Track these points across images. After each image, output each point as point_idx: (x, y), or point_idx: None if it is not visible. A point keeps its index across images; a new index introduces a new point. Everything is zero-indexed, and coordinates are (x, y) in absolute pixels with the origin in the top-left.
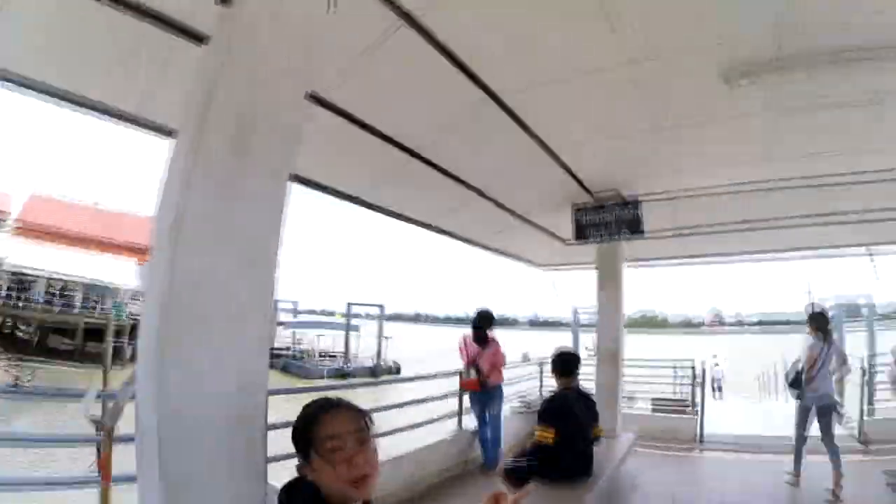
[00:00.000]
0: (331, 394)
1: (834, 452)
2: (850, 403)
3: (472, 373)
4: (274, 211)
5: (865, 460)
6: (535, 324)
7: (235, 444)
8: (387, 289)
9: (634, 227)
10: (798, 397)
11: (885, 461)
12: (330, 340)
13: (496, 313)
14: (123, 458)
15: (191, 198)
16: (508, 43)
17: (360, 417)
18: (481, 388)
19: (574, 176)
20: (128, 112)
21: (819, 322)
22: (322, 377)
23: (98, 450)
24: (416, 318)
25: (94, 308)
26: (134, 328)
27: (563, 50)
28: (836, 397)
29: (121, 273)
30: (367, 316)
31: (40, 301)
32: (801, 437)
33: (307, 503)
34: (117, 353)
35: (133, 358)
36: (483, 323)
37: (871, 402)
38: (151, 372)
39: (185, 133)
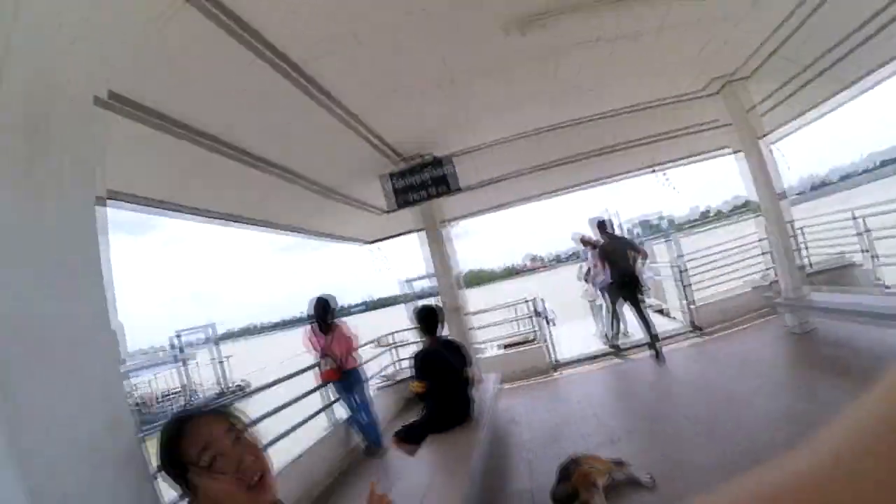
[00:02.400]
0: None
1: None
2: (672, 299)
3: (329, 362)
4: (87, 230)
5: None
6: (371, 305)
7: (120, 495)
8: (210, 307)
9: (449, 184)
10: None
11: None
12: (167, 379)
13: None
14: None
15: None
16: (293, 8)
17: (225, 416)
18: (341, 375)
19: (382, 143)
20: None
21: (585, 241)
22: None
23: None
24: (250, 331)
25: None
26: None
27: (348, 8)
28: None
29: None
30: (197, 343)
31: None
32: (611, 311)
33: None
34: None
35: None
36: (323, 311)
37: (689, 296)
38: None
39: None
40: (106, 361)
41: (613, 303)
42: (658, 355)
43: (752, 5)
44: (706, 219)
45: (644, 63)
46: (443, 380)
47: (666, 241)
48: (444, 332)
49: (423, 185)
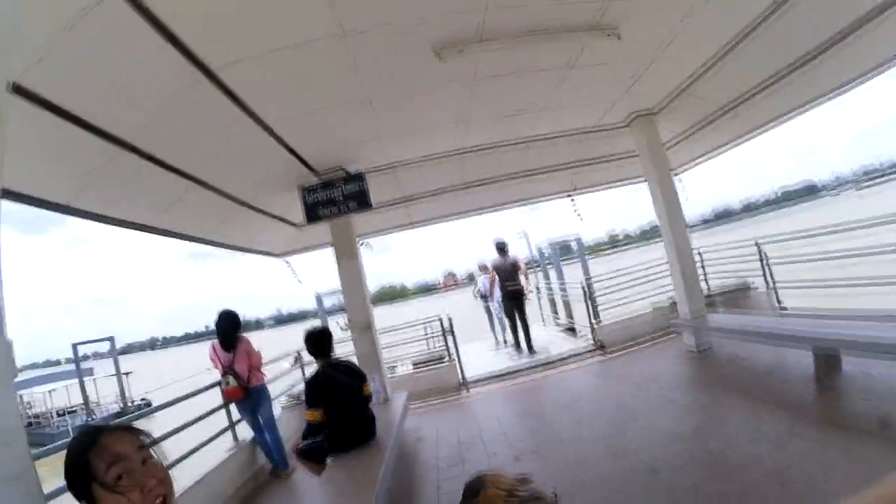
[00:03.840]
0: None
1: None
2: (581, 318)
3: (231, 380)
4: None
5: (603, 359)
6: (281, 320)
7: None
8: (112, 319)
9: (362, 201)
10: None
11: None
12: (64, 394)
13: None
14: None
15: None
16: (221, 12)
17: (136, 433)
18: (245, 393)
19: (297, 156)
20: None
21: (482, 267)
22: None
23: None
24: (154, 345)
25: None
26: None
27: (278, 20)
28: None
29: None
30: (96, 355)
31: None
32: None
33: None
34: None
35: None
36: (228, 326)
37: (595, 315)
38: None
39: None
40: None
41: (508, 313)
42: (530, 350)
43: (664, 48)
44: (616, 242)
45: (560, 95)
46: (339, 402)
47: (576, 263)
48: (349, 349)
49: (335, 200)
